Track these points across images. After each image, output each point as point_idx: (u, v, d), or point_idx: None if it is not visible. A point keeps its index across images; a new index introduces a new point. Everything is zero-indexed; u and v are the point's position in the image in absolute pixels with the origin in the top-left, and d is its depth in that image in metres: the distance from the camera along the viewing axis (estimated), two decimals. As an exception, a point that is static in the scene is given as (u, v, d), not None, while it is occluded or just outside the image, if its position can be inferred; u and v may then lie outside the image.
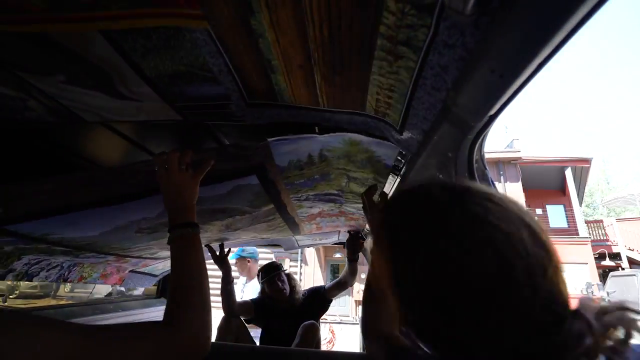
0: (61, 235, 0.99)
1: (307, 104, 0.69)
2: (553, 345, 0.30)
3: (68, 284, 1.73)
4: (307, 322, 1.91)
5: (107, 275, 1.52)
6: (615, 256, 10.93)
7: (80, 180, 0.78)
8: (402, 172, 0.95)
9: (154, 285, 2.08)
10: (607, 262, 10.84)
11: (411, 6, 0.39)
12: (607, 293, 7.23)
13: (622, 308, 0.31)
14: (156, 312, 1.98)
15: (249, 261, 2.77)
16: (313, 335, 1.87)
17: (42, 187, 0.74)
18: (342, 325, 6.92)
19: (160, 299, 2.15)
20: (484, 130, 0.53)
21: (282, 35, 0.48)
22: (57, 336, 0.42)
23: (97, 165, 0.96)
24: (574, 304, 0.33)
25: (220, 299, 1.92)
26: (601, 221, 12.37)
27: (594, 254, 10.11)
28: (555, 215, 12.27)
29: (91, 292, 2.68)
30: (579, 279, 8.74)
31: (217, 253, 1.95)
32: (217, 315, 1.97)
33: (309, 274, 9.88)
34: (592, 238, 11.06)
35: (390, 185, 1.09)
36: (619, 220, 11.81)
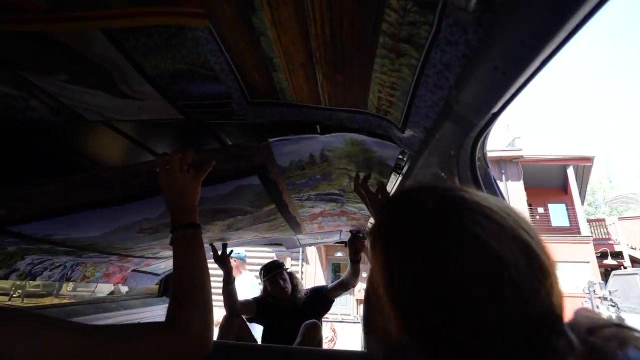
0: (64, 235, 1.00)
1: (309, 103, 0.69)
2: None
3: (70, 283, 1.74)
4: (308, 321, 1.91)
5: (109, 275, 1.53)
6: (618, 255, 10.90)
7: (82, 181, 0.78)
8: (404, 171, 0.95)
9: (155, 285, 2.08)
10: (609, 261, 10.81)
11: (413, 3, 0.39)
12: (609, 292, 7.21)
13: (618, 325, 0.30)
14: (158, 311, 1.99)
15: (235, 260, 2.82)
16: (315, 335, 1.87)
17: (44, 188, 0.74)
18: (343, 324, 6.93)
19: (162, 298, 2.16)
20: (486, 128, 0.53)
21: (284, 34, 0.48)
22: (58, 335, 0.42)
23: (99, 165, 0.97)
24: (570, 314, 0.32)
25: (221, 297, 1.93)
26: (603, 220, 12.34)
27: (596, 253, 10.08)
28: (557, 214, 12.24)
29: (93, 291, 2.70)
30: (580, 278, 8.73)
31: (219, 253, 1.95)
32: (218, 314, 1.98)
33: (310, 272, 9.89)
34: (594, 237, 11.04)
35: (392, 184, 1.09)
36: (621, 218, 11.78)
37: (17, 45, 0.49)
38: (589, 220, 12.10)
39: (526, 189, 10.74)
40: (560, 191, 12.58)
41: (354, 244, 2.14)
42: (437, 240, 0.34)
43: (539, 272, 0.32)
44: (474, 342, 0.31)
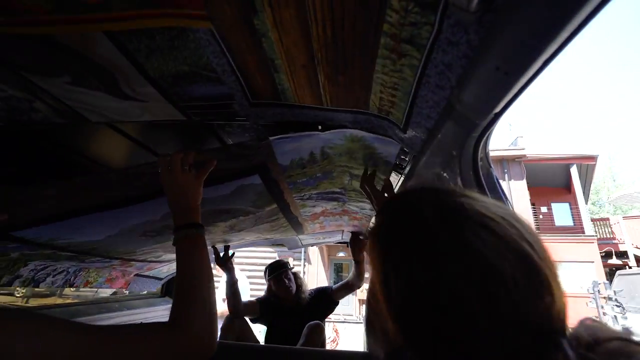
0: (67, 240, 1.00)
1: (311, 103, 0.69)
2: None
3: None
4: (312, 322, 1.90)
5: (112, 280, 1.54)
6: (622, 254, 10.82)
7: (84, 184, 0.78)
8: (406, 171, 0.95)
9: (158, 285, 2.09)
10: (614, 261, 10.73)
11: (415, 4, 0.39)
12: (614, 292, 7.16)
13: (622, 339, 0.29)
14: (160, 311, 2.00)
15: None
16: (318, 336, 1.86)
17: (47, 192, 0.75)
18: (346, 325, 6.93)
19: (165, 298, 2.16)
20: (488, 128, 0.53)
21: (286, 35, 0.48)
22: (61, 335, 0.42)
23: (101, 165, 0.97)
24: (575, 322, 0.32)
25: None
26: (607, 219, 12.25)
27: (600, 253, 10.01)
28: (560, 213, 12.17)
29: (96, 291, 2.71)
30: (585, 278, 8.67)
31: (222, 255, 1.95)
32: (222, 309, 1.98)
33: (312, 273, 9.89)
34: (599, 236, 10.96)
35: (395, 184, 1.09)
36: (625, 218, 11.70)
37: (20, 47, 0.50)
38: (593, 220, 12.02)
39: (529, 188, 10.69)
40: (564, 190, 12.51)
41: (355, 244, 2.13)
42: (432, 248, 0.34)
43: (538, 286, 0.31)
44: (465, 353, 0.31)
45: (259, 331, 2.40)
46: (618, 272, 8.10)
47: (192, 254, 0.65)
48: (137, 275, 1.69)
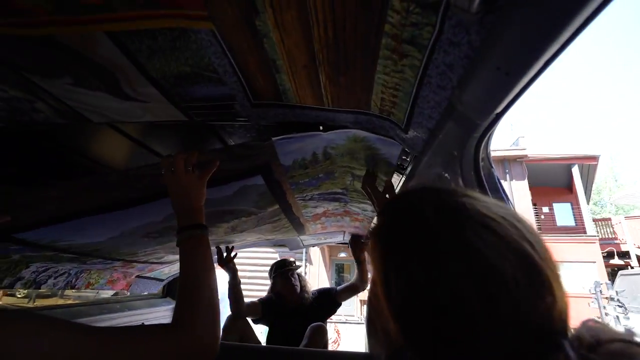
0: (68, 242, 1.00)
1: (312, 104, 0.69)
2: None
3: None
4: (315, 324, 1.90)
5: (114, 281, 1.54)
6: (624, 255, 10.78)
7: (86, 185, 0.78)
8: (407, 171, 0.95)
9: (159, 286, 2.09)
10: (616, 261, 10.70)
11: (416, 5, 0.39)
12: (616, 292, 7.13)
13: (624, 340, 0.29)
14: (162, 312, 2.00)
15: None
16: (321, 338, 1.86)
17: (49, 193, 0.75)
18: (347, 325, 6.92)
19: (166, 299, 2.17)
20: (489, 129, 0.53)
21: (287, 36, 0.48)
22: (62, 336, 0.42)
23: (103, 166, 0.97)
24: (576, 324, 0.32)
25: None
26: (609, 219, 12.21)
27: (602, 253, 9.98)
28: (562, 214, 12.14)
29: (98, 292, 2.72)
30: (587, 278, 8.65)
31: (224, 255, 1.95)
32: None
33: (313, 273, 9.88)
34: (600, 236, 10.93)
35: (396, 185, 1.09)
36: (627, 218, 11.66)
37: (22, 48, 0.50)
38: (594, 220, 11.98)
39: (531, 188, 10.66)
40: (566, 190, 12.48)
41: (356, 245, 2.15)
42: (433, 248, 0.34)
43: (539, 287, 0.31)
44: (466, 354, 0.31)
45: (260, 332, 2.40)
46: (620, 272, 8.08)
47: (196, 255, 0.64)
48: (138, 276, 1.69)
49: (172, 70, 0.57)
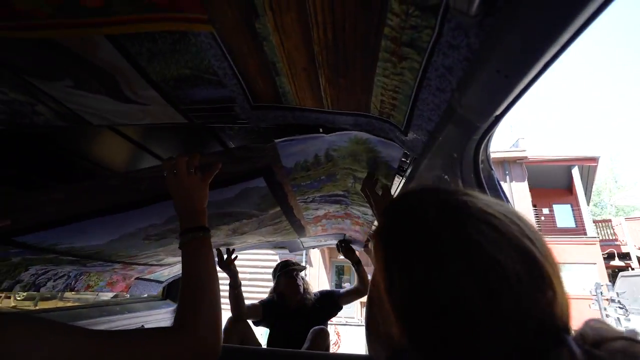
0: (69, 244, 1.00)
1: (312, 106, 0.70)
2: None
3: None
4: (317, 327, 1.89)
5: (113, 283, 1.54)
6: (625, 256, 10.77)
7: (87, 188, 0.78)
8: (407, 173, 0.95)
9: (159, 288, 2.09)
10: (617, 262, 10.68)
11: (415, 7, 0.39)
12: (617, 294, 7.12)
13: (627, 338, 0.29)
14: (162, 314, 1.99)
15: None
16: (323, 341, 1.85)
17: (49, 196, 0.75)
18: (347, 327, 6.91)
19: (166, 301, 2.16)
20: (489, 131, 0.53)
21: (287, 38, 0.48)
22: (61, 339, 0.42)
23: (104, 168, 0.97)
24: (579, 323, 0.32)
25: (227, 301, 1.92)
26: (610, 220, 12.20)
27: (602, 254, 9.97)
28: (562, 215, 12.13)
29: (97, 294, 2.71)
30: (587, 280, 8.63)
31: (225, 257, 1.95)
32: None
33: (313, 275, 9.86)
34: (601, 238, 10.92)
35: (396, 187, 1.09)
36: (628, 219, 11.65)
37: (22, 51, 0.50)
38: (595, 221, 11.97)
39: (531, 189, 10.66)
40: (566, 192, 12.48)
41: (346, 250, 2.27)
42: (436, 246, 0.34)
43: (540, 282, 0.31)
44: (469, 352, 0.31)
45: (261, 334, 2.39)
46: (620, 273, 8.06)
47: (199, 257, 0.64)
48: (137, 278, 1.68)
49: (172, 73, 0.57)
